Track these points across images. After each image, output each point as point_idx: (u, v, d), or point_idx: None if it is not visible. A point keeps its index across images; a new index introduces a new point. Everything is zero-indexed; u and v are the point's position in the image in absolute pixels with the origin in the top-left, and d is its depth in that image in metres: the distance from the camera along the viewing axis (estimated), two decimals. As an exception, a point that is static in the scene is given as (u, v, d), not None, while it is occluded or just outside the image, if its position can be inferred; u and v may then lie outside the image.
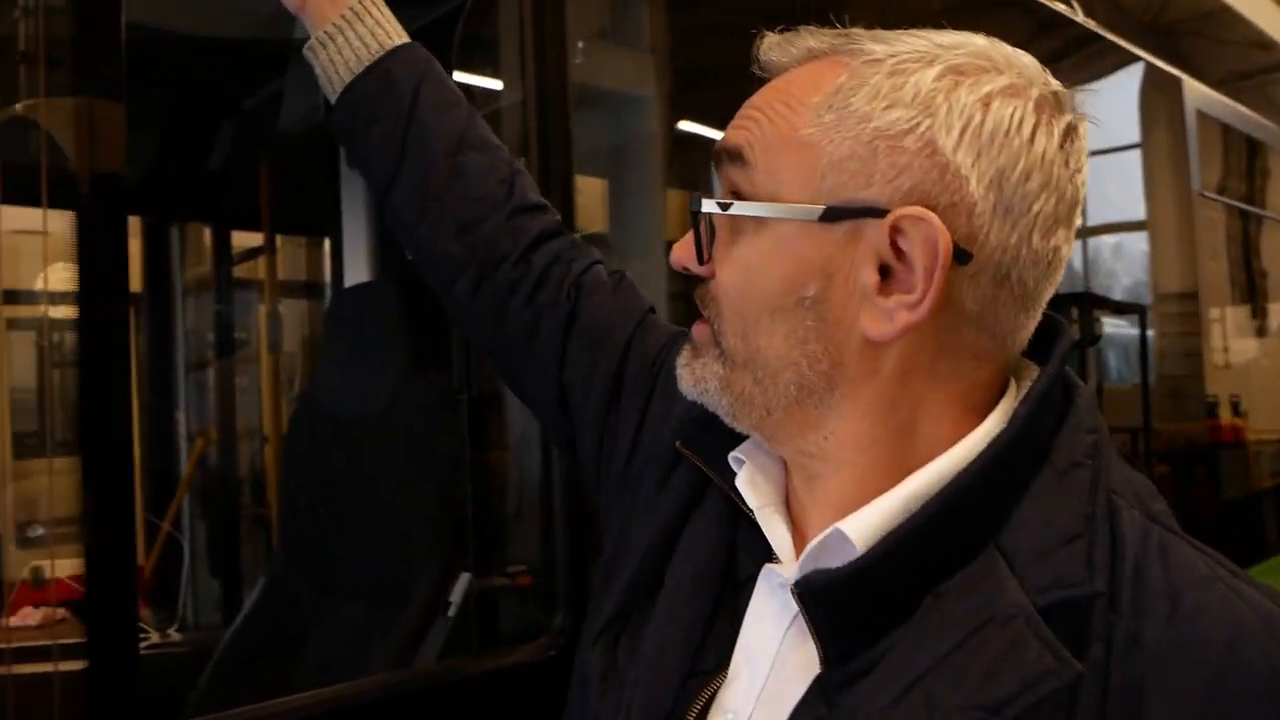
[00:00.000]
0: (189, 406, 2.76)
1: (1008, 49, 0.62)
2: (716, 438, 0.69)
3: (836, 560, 0.58)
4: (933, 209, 0.57)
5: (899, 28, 0.62)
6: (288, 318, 2.98)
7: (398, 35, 0.94)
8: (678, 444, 0.72)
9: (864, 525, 0.58)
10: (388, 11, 0.95)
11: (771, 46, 0.65)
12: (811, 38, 0.63)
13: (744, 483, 0.67)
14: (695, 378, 0.66)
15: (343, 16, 0.92)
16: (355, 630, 1.65)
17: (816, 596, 0.57)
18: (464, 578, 1.56)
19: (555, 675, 1.34)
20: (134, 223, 2.53)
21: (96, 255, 0.94)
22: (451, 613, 1.54)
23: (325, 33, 0.93)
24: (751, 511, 0.66)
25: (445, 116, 0.92)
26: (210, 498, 2.77)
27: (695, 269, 0.65)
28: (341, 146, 0.91)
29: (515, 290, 0.88)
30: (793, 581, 0.59)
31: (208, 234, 2.76)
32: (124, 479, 0.97)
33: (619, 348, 0.85)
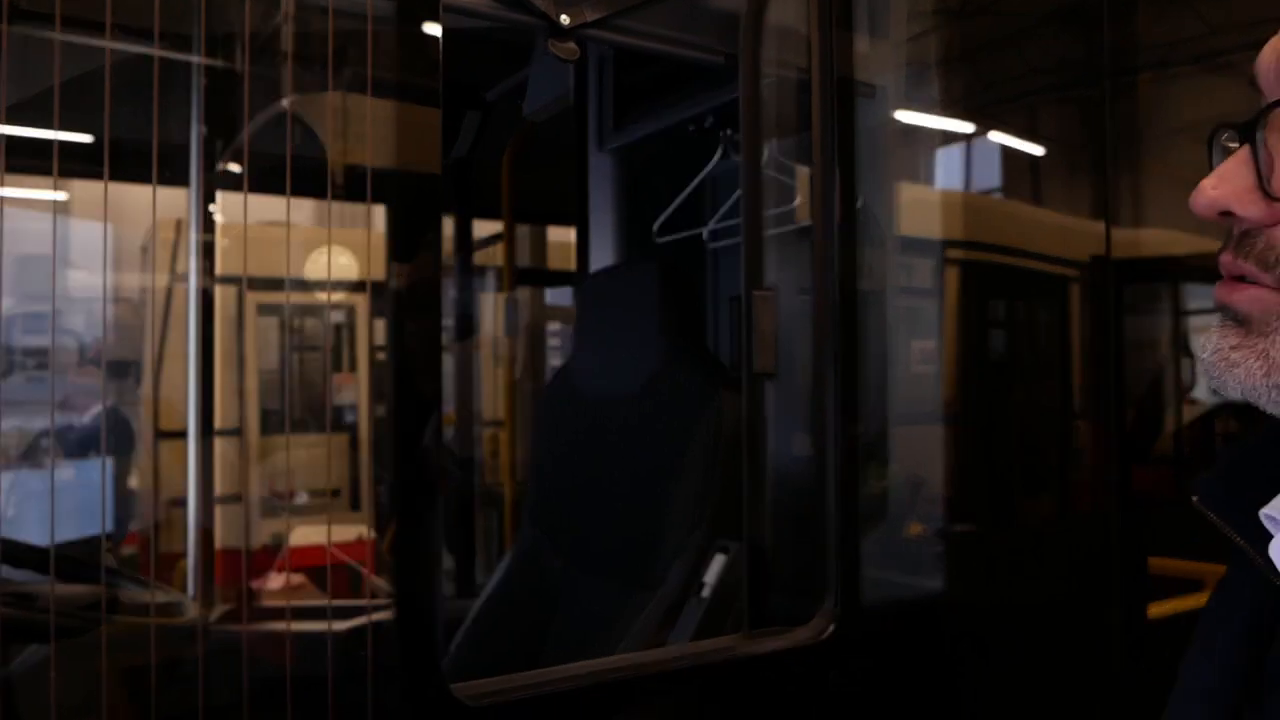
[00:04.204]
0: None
1: None
2: (1245, 494, 0.56)
3: None
4: None
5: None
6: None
7: None
8: (1194, 500, 0.61)
9: None
10: None
11: None
12: None
13: None
14: (1264, 366, 0.51)
15: None
16: (603, 607, 1.68)
17: None
18: (719, 559, 1.55)
19: (827, 660, 1.32)
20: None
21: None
22: (705, 594, 1.54)
23: None
24: None
25: None
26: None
27: (1245, 210, 0.51)
28: None
29: None
30: None
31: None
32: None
33: None
